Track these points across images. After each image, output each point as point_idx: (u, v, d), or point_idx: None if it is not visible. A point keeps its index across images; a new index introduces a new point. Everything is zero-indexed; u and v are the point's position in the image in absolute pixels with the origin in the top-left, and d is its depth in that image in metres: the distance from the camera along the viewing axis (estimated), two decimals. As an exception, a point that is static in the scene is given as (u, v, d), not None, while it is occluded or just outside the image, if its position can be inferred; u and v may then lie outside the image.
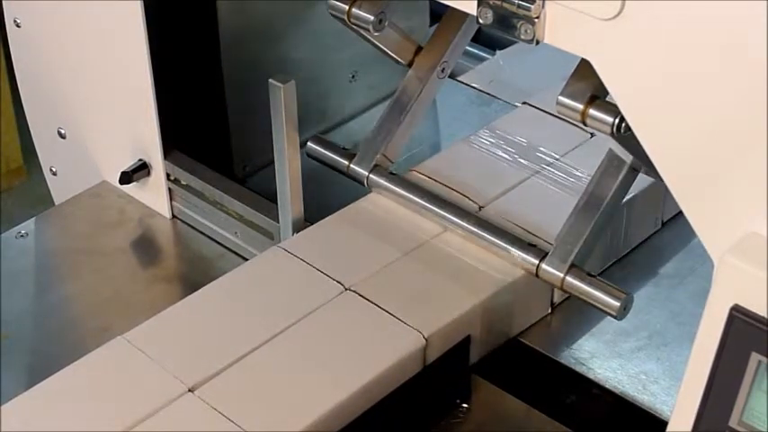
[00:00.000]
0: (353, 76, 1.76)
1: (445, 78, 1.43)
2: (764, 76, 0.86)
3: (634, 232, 1.46)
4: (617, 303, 1.23)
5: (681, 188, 0.97)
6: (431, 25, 1.79)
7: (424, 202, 1.38)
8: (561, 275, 1.26)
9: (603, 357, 1.32)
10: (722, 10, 0.87)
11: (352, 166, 1.42)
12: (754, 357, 0.90)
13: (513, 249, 1.31)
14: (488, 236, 1.33)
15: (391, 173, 1.41)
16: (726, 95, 0.90)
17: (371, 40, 1.36)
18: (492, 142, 1.50)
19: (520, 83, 1.78)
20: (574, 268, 1.26)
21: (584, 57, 0.98)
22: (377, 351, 1.21)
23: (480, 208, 1.39)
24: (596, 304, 1.25)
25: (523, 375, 1.31)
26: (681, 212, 0.98)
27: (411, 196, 1.38)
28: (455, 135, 1.67)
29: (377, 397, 1.20)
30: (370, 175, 1.41)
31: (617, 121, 1.11)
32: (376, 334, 1.23)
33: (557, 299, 1.38)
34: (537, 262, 1.28)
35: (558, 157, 1.47)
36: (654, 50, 0.93)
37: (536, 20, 0.99)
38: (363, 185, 1.42)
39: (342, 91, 1.75)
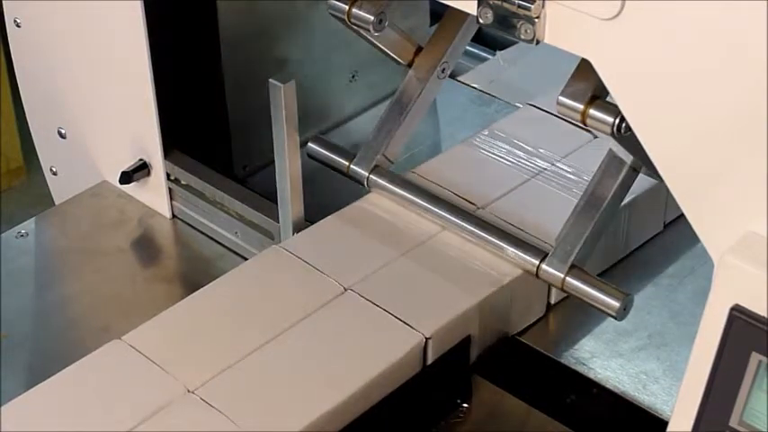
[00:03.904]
0: (353, 76, 1.76)
1: (445, 79, 1.42)
2: (764, 76, 0.86)
3: (636, 234, 1.46)
4: (617, 304, 1.23)
5: (681, 188, 0.97)
6: (431, 25, 1.79)
7: (424, 203, 1.38)
8: (561, 276, 1.26)
9: (603, 357, 1.32)
10: (722, 10, 0.87)
11: (352, 166, 1.42)
12: (755, 357, 0.90)
13: (513, 250, 1.30)
14: (489, 236, 1.33)
15: (391, 173, 1.41)
16: (726, 95, 0.90)
17: (371, 40, 1.36)
18: (492, 143, 1.50)
19: (520, 83, 1.78)
20: (574, 269, 1.26)
21: (584, 57, 0.98)
22: (376, 352, 1.21)
23: (480, 209, 1.39)
24: (596, 305, 1.25)
25: (523, 375, 1.31)
26: (682, 214, 0.98)
27: (411, 197, 1.38)
28: (455, 135, 1.67)
29: (376, 398, 1.20)
30: (371, 176, 1.40)
31: (617, 121, 1.11)
32: (375, 334, 1.23)
33: (554, 299, 1.38)
34: (537, 262, 1.28)
35: (558, 158, 1.47)
36: (654, 50, 0.93)
37: (536, 20, 0.99)
38: (363, 186, 1.42)
39: (342, 91, 1.75)
